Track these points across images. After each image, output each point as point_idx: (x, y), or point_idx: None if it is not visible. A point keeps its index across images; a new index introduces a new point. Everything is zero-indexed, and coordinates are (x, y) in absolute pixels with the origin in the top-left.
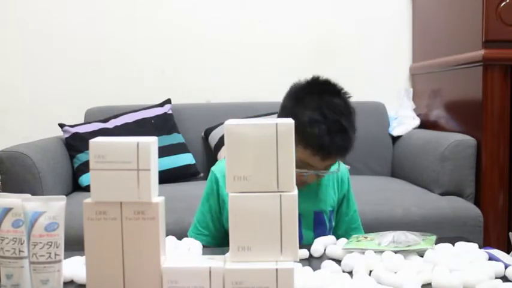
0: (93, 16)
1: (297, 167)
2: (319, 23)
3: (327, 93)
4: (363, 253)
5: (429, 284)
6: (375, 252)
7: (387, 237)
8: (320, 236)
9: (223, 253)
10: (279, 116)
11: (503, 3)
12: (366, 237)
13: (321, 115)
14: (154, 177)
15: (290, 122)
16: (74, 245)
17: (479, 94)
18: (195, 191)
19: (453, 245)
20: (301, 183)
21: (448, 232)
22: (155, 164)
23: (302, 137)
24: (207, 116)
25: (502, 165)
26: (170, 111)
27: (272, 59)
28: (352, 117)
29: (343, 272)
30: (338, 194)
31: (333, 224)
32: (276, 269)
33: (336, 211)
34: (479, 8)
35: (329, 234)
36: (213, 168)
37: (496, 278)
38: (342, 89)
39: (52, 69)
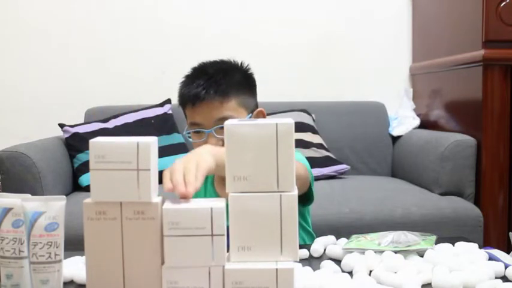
0: (93, 16)
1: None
2: (319, 23)
3: None
4: (363, 253)
5: (429, 284)
6: (375, 252)
7: (387, 237)
8: None
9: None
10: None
11: (503, 3)
12: (366, 237)
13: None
14: (155, 177)
15: (290, 122)
16: (74, 245)
17: (479, 94)
18: None
19: (453, 245)
20: None
21: (448, 232)
22: (155, 164)
23: (179, 101)
24: None
25: (502, 165)
26: (170, 111)
27: (272, 59)
28: (226, 65)
29: (343, 272)
30: None
31: None
32: (276, 269)
33: None
34: (479, 8)
35: None
36: None
37: (496, 278)
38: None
39: (52, 69)
